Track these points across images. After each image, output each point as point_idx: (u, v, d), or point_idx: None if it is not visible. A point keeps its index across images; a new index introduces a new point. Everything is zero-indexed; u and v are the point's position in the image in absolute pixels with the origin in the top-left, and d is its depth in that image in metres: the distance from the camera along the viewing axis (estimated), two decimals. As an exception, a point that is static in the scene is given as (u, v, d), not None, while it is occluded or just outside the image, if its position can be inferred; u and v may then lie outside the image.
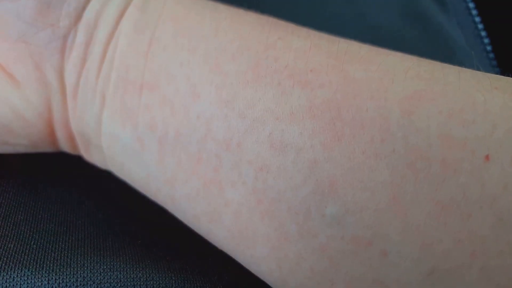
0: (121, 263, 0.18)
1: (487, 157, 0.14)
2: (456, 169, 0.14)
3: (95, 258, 0.18)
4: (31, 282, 0.18)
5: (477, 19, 0.26)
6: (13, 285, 0.18)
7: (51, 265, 0.18)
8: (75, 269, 0.18)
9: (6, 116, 0.19)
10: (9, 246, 0.18)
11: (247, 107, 0.17)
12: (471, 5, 0.26)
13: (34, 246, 0.18)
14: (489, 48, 0.25)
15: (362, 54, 0.16)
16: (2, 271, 0.18)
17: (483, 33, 0.26)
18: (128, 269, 0.18)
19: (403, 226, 0.15)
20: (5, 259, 0.18)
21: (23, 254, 0.18)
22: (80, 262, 0.18)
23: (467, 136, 0.14)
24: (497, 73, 0.25)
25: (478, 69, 0.25)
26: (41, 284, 0.17)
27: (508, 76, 0.20)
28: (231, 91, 0.17)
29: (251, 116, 0.16)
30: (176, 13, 0.19)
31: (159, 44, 0.18)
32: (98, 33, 0.19)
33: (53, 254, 0.18)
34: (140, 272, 0.18)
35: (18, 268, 0.18)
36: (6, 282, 0.18)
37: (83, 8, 0.19)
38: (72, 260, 0.18)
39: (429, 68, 0.16)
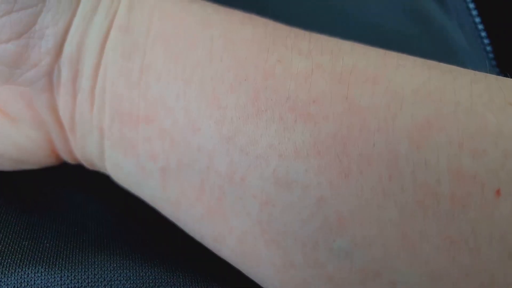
0: (130, 262, 0.19)
1: (498, 191, 0.14)
2: (465, 205, 0.14)
3: (105, 257, 0.19)
4: (44, 278, 0.18)
5: (477, 19, 0.26)
6: (28, 281, 0.18)
7: (64, 263, 0.19)
8: (86, 266, 0.18)
9: (10, 150, 0.20)
10: (23, 243, 0.19)
11: (249, 144, 0.16)
12: (471, 5, 0.26)
13: (48, 245, 0.19)
14: (489, 48, 0.26)
15: (369, 72, 0.15)
16: (17, 268, 0.18)
17: (483, 34, 0.26)
18: (137, 268, 0.19)
19: (411, 259, 0.15)
20: (20, 256, 0.19)
21: (37, 252, 0.19)
22: (91, 260, 0.19)
23: (477, 169, 0.14)
24: (496, 73, 0.26)
25: (479, 69, 0.26)
26: (54, 280, 0.18)
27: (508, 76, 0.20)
28: (231, 127, 0.16)
29: (253, 153, 0.16)
30: (165, 31, 0.18)
31: (151, 72, 0.17)
32: (83, 66, 0.18)
33: (65, 252, 0.19)
34: (148, 270, 0.19)
35: (32, 265, 0.19)
36: (21, 278, 0.18)
37: (62, 42, 0.18)
38: (84, 258, 0.19)
39: (440, 83, 0.15)
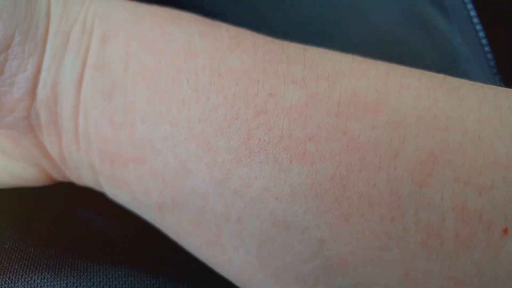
0: (136, 270, 0.19)
1: (505, 230, 0.13)
2: (470, 246, 0.13)
3: (110, 265, 0.19)
4: (50, 284, 0.19)
5: (479, 27, 0.26)
6: (34, 286, 0.19)
7: (69, 270, 0.19)
8: (91, 274, 0.19)
9: (7, 179, 0.20)
10: (29, 250, 0.20)
11: (243, 186, 0.15)
12: (473, 13, 0.26)
13: (53, 251, 0.20)
14: (489, 56, 0.26)
15: (369, 99, 0.14)
16: (24, 274, 0.19)
17: (484, 41, 0.26)
18: (142, 276, 0.19)
19: None
20: (26, 262, 0.19)
21: (43, 259, 0.19)
22: (96, 268, 0.19)
23: (484, 206, 0.13)
24: (497, 81, 0.26)
25: (480, 75, 0.26)
26: (60, 286, 0.19)
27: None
28: (223, 170, 0.15)
29: (248, 195, 0.15)
30: (145, 65, 0.16)
31: (135, 113, 0.16)
32: (61, 109, 0.17)
33: (71, 259, 0.19)
34: (153, 279, 0.19)
35: (38, 272, 0.19)
36: (27, 284, 0.19)
37: (34, 87, 0.17)
38: (88, 266, 0.19)
39: (446, 106, 0.14)
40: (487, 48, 0.26)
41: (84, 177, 0.19)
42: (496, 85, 0.25)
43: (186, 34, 0.17)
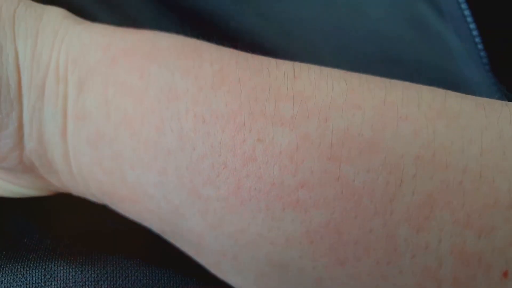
0: (148, 261, 0.20)
1: (505, 274, 0.12)
2: None
3: (123, 256, 0.20)
4: (66, 271, 0.20)
5: (472, 26, 0.27)
6: (51, 274, 0.20)
7: (84, 259, 0.20)
8: (105, 263, 0.20)
9: (11, 195, 0.21)
10: (46, 242, 0.21)
11: (237, 232, 0.15)
12: (467, 12, 0.27)
13: (68, 242, 0.21)
14: (483, 53, 0.27)
15: (364, 137, 0.13)
16: (41, 262, 0.20)
17: (478, 39, 0.27)
18: (154, 266, 0.20)
19: None
20: (43, 251, 0.20)
21: (58, 249, 0.21)
22: (109, 258, 0.20)
23: (483, 249, 0.12)
24: (490, 78, 0.27)
25: (475, 75, 0.27)
26: (75, 273, 0.20)
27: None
28: (216, 217, 0.15)
29: (243, 240, 0.15)
30: (126, 112, 0.16)
31: (123, 160, 0.16)
32: (52, 156, 0.18)
33: (85, 250, 0.21)
34: (165, 269, 0.20)
35: (55, 260, 0.20)
36: (44, 270, 0.20)
37: (20, 140, 0.17)
38: (102, 256, 0.20)
39: (447, 140, 0.13)
40: (480, 46, 0.27)
41: (90, 198, 0.19)
42: (492, 85, 0.26)
43: (166, 74, 0.16)
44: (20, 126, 0.17)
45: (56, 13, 0.18)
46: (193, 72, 0.15)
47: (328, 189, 0.13)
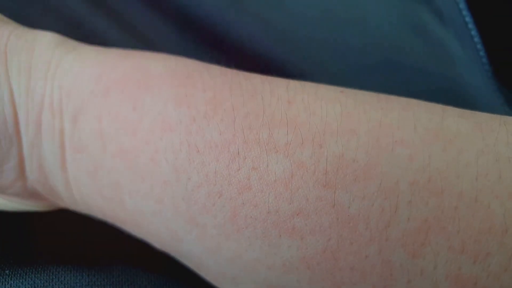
0: (153, 267, 0.21)
1: None
2: None
3: (129, 263, 0.21)
4: (73, 276, 0.21)
5: (474, 32, 0.27)
6: (58, 277, 0.21)
7: (90, 263, 0.21)
8: (111, 269, 0.21)
9: (14, 210, 0.21)
10: (53, 247, 0.21)
11: (234, 257, 0.15)
12: (468, 19, 0.27)
13: (75, 247, 0.21)
14: (484, 60, 0.27)
15: (359, 163, 0.13)
16: (49, 266, 0.21)
17: (479, 46, 0.27)
18: (159, 272, 0.21)
19: None
20: (51, 256, 0.21)
21: (66, 255, 0.21)
22: (115, 263, 0.21)
23: (478, 274, 0.13)
24: (492, 85, 0.27)
25: (477, 81, 0.27)
26: (82, 278, 0.20)
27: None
28: (213, 243, 0.15)
29: (241, 264, 0.15)
30: (121, 143, 0.16)
31: (121, 190, 0.16)
32: (54, 184, 0.18)
33: (92, 257, 0.21)
34: (169, 275, 0.21)
35: (62, 264, 0.21)
36: (52, 274, 0.21)
37: (22, 172, 0.18)
38: (108, 260, 0.21)
39: (443, 165, 0.13)
40: (482, 53, 0.27)
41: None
42: (494, 91, 0.27)
43: (159, 104, 0.16)
44: (21, 160, 0.18)
45: (48, 41, 0.18)
46: (186, 102, 0.15)
47: (323, 217, 0.14)
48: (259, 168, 0.14)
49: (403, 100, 0.15)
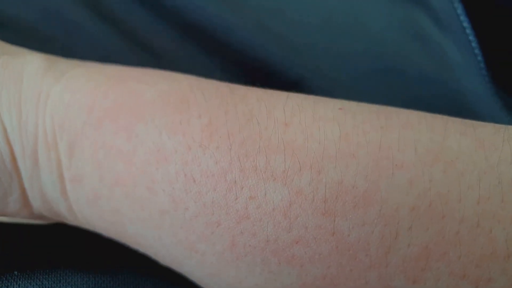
0: (159, 271, 0.21)
1: None
2: None
3: (134, 266, 0.21)
4: (80, 277, 0.21)
5: (472, 37, 0.28)
6: (66, 278, 0.21)
7: (96, 267, 0.21)
8: (117, 271, 0.21)
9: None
10: (61, 249, 0.22)
11: (235, 282, 0.15)
12: (466, 24, 0.28)
13: (82, 250, 0.22)
14: (482, 65, 0.27)
15: (359, 189, 0.13)
16: (56, 268, 0.21)
17: (477, 51, 0.28)
18: (165, 276, 0.21)
19: None
20: (59, 259, 0.22)
21: (72, 258, 0.22)
22: (121, 267, 0.21)
23: None
24: (490, 89, 0.27)
25: (476, 86, 0.27)
26: (88, 279, 0.21)
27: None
28: (213, 269, 0.15)
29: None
30: (118, 174, 0.16)
31: (121, 216, 0.16)
32: (59, 210, 0.18)
33: (97, 260, 0.22)
34: (174, 280, 0.20)
35: (70, 266, 0.21)
36: (60, 275, 0.21)
37: (26, 202, 0.18)
38: (115, 264, 0.21)
39: (444, 189, 0.13)
40: (479, 58, 0.28)
41: None
42: (492, 95, 0.27)
43: (153, 133, 0.15)
44: (23, 191, 0.18)
45: (35, 69, 0.17)
46: (180, 130, 0.15)
47: (323, 245, 0.13)
48: (257, 197, 0.14)
49: (404, 116, 0.15)
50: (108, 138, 0.16)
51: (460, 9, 0.28)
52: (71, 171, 0.17)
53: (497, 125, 0.15)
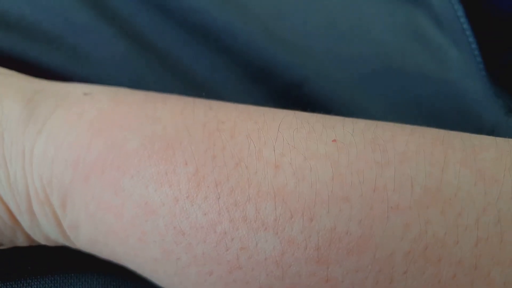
0: None
1: None
2: None
3: None
4: (76, 278, 0.21)
5: (471, 39, 0.28)
6: (60, 283, 0.21)
7: (94, 270, 0.21)
8: (124, 275, 0.20)
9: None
10: (70, 253, 0.22)
11: None
12: (466, 26, 0.28)
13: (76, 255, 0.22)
14: (481, 66, 0.28)
15: (352, 235, 0.13)
16: (59, 271, 0.21)
17: (476, 52, 0.28)
18: None
19: None
20: (52, 264, 0.21)
21: (67, 262, 0.21)
22: (119, 268, 0.20)
23: None
24: (489, 89, 0.28)
25: (475, 86, 0.28)
26: (87, 282, 0.21)
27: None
28: None
29: None
30: (110, 226, 0.16)
31: (120, 256, 0.17)
32: (66, 243, 0.19)
33: (95, 262, 0.21)
34: None
35: (64, 271, 0.21)
36: (54, 279, 0.21)
37: (33, 240, 0.19)
38: (111, 267, 0.20)
39: (440, 232, 0.12)
40: (479, 58, 0.28)
41: None
42: (491, 96, 0.27)
43: (140, 187, 0.15)
44: (28, 236, 0.19)
45: (16, 121, 0.17)
46: (167, 181, 0.15)
47: None
48: (248, 248, 0.14)
49: (402, 145, 0.14)
50: (96, 192, 0.16)
51: (460, 11, 0.28)
52: (67, 221, 0.17)
53: (500, 146, 0.14)
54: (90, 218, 0.16)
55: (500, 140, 0.14)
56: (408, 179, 0.13)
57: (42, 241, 0.20)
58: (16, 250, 0.21)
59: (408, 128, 0.15)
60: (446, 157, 0.14)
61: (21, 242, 0.19)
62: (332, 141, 0.14)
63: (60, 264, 0.21)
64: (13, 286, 0.20)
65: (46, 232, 0.18)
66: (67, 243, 0.19)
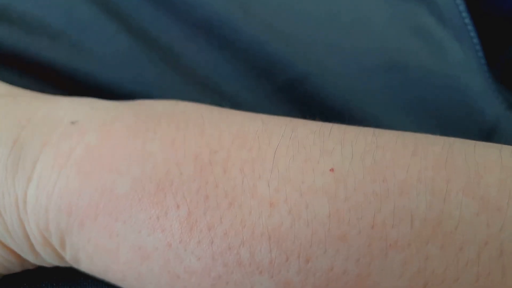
0: None
1: None
2: None
3: None
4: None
5: (473, 34, 0.28)
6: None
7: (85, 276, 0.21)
8: None
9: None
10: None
11: None
12: (467, 21, 0.28)
13: None
14: (483, 61, 0.28)
15: (349, 275, 0.12)
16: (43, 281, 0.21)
17: (478, 47, 0.28)
18: None
19: None
20: (43, 273, 0.21)
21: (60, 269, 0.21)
22: None
23: None
24: (491, 85, 0.28)
25: (477, 83, 0.28)
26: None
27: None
28: None
29: None
30: (108, 265, 0.16)
31: (121, 283, 0.17)
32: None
33: None
34: None
35: (55, 282, 0.21)
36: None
37: (45, 262, 0.19)
38: None
39: (440, 264, 0.12)
40: (480, 54, 0.28)
41: None
42: (494, 92, 0.27)
43: (132, 232, 0.15)
44: (37, 265, 0.20)
45: (2, 164, 0.17)
46: (159, 226, 0.15)
47: None
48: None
49: (402, 173, 0.13)
50: (92, 235, 0.16)
51: (462, 6, 0.28)
52: (68, 257, 0.17)
53: (505, 164, 0.13)
54: (89, 258, 0.17)
55: (505, 154, 0.14)
56: (408, 212, 0.13)
57: (55, 264, 0.20)
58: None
59: (410, 146, 0.14)
60: (449, 184, 0.13)
61: (31, 267, 0.20)
62: (330, 170, 0.14)
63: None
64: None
65: (53, 262, 0.19)
66: (76, 267, 0.19)
